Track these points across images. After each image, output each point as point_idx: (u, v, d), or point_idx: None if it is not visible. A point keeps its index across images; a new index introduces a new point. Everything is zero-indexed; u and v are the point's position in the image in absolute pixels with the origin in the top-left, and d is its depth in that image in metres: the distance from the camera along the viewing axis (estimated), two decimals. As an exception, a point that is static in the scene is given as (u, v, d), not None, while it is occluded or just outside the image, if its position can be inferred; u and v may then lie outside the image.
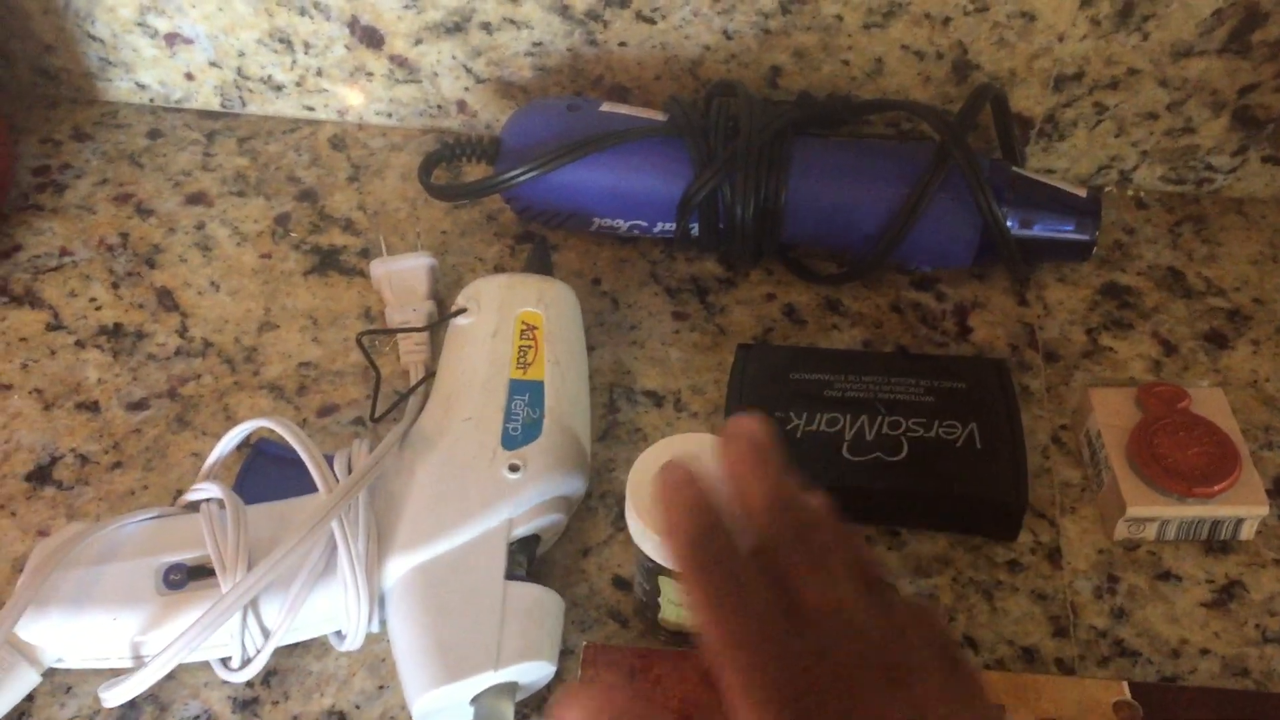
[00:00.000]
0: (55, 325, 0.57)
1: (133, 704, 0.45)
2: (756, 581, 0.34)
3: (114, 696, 0.42)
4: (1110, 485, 0.49)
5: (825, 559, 0.35)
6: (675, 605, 0.45)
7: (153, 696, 0.45)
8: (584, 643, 0.46)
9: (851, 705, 0.31)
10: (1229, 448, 0.49)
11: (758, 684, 0.32)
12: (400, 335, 0.55)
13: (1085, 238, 0.56)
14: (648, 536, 0.42)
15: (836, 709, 0.31)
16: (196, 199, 0.63)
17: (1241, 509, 0.48)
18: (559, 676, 0.45)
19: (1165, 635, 0.47)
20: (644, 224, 0.58)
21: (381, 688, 0.45)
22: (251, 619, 0.43)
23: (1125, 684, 0.44)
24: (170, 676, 0.45)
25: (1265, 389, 0.55)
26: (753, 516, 0.36)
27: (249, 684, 0.45)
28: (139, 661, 0.43)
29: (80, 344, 0.56)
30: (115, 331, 0.57)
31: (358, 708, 0.45)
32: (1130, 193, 0.64)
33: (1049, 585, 0.48)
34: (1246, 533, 0.49)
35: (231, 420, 0.53)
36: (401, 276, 0.57)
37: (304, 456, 0.45)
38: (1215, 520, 0.48)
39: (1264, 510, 0.48)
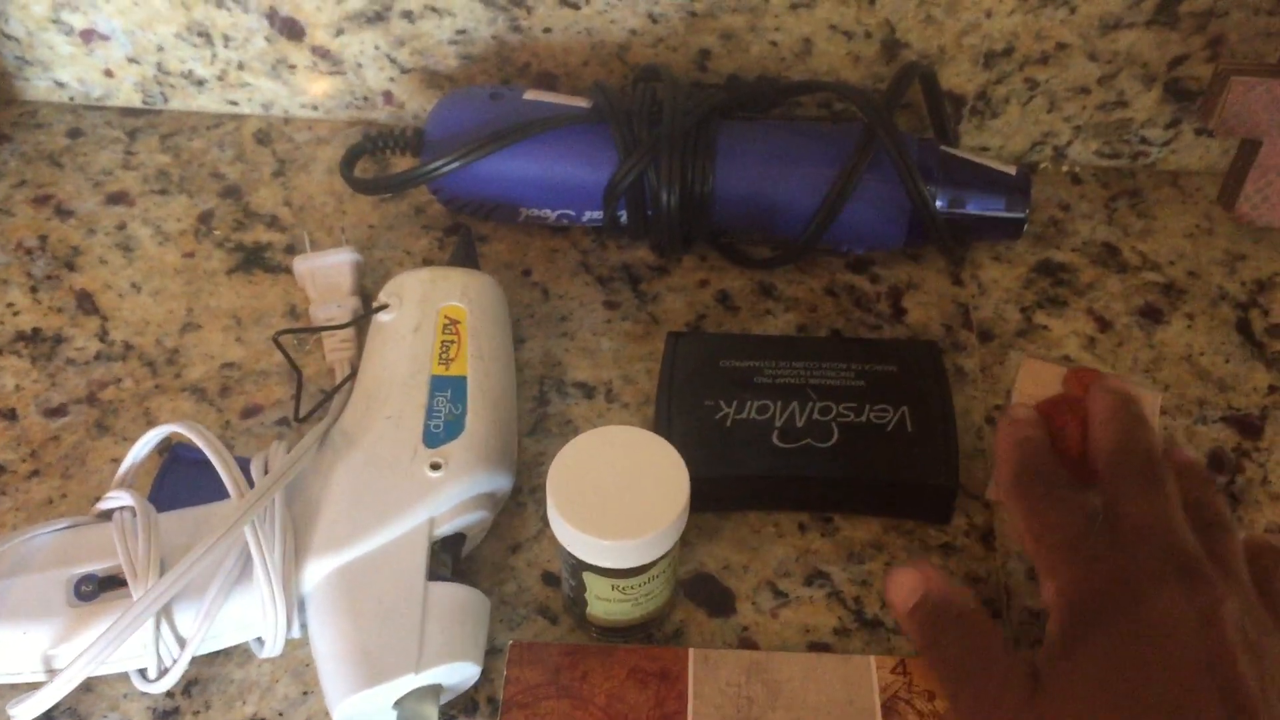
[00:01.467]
0: (-29, 332, 0.56)
1: (49, 717, 0.44)
2: (1073, 498, 0.40)
3: (23, 712, 0.41)
4: None
5: (1157, 485, 0.39)
6: (602, 601, 0.44)
7: (70, 710, 0.44)
8: (510, 641, 0.45)
9: (1139, 590, 0.36)
10: None
11: (1056, 568, 0.39)
12: (325, 333, 0.54)
13: (1017, 215, 0.56)
14: (569, 532, 0.41)
15: (1122, 591, 0.37)
16: (118, 198, 0.61)
17: None
18: (486, 675, 0.45)
19: (1098, 615, 0.47)
20: (572, 213, 0.57)
21: (306, 693, 0.45)
22: (166, 628, 0.42)
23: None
24: (88, 689, 0.44)
25: (1199, 363, 0.55)
26: (1100, 447, 0.42)
27: (169, 694, 0.45)
28: (52, 675, 0.42)
29: (-3, 351, 0.55)
30: (33, 336, 0.56)
31: (281, 715, 0.44)
32: (1065, 169, 0.63)
33: (982, 568, 0.48)
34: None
35: (153, 425, 0.52)
36: (325, 273, 0.56)
37: (215, 461, 0.44)
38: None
39: None
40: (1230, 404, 0.53)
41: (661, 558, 0.43)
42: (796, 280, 0.58)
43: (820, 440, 0.49)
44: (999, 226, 0.56)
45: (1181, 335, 0.56)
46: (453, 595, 0.43)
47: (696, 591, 0.48)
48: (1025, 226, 0.56)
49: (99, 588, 0.42)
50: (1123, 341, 0.56)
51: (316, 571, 0.43)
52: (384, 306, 0.51)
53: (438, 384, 0.48)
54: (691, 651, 0.44)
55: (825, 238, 0.56)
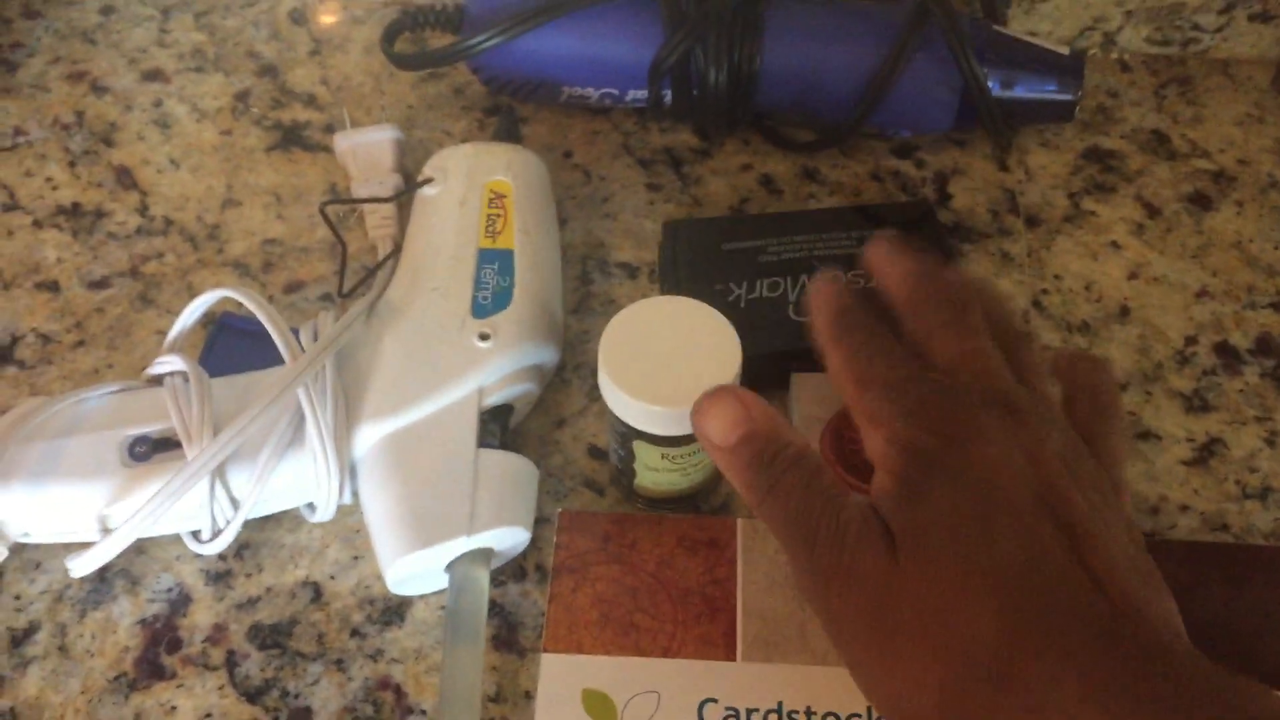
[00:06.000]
0: (11, 205, 0.55)
1: (104, 578, 0.44)
2: (891, 340, 0.38)
3: (80, 566, 0.41)
4: None
5: (962, 316, 0.37)
6: (651, 471, 0.44)
7: (124, 570, 0.45)
8: (559, 510, 0.45)
9: (968, 433, 0.34)
10: None
11: (882, 415, 0.35)
12: (368, 209, 0.54)
13: (1068, 97, 0.55)
14: (621, 398, 0.41)
15: (953, 436, 0.34)
16: (153, 76, 0.61)
17: None
18: (534, 544, 0.45)
19: (1144, 493, 0.47)
20: (615, 92, 0.56)
21: (356, 558, 0.45)
22: (220, 490, 0.42)
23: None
24: (141, 551, 0.45)
25: (1249, 249, 0.54)
26: (896, 293, 0.39)
27: (221, 557, 0.45)
28: (107, 535, 0.42)
29: (38, 224, 0.55)
30: (74, 211, 0.55)
31: (332, 578, 0.45)
32: (1114, 56, 0.62)
33: (1028, 446, 0.48)
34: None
35: (196, 297, 0.52)
36: (366, 150, 0.55)
37: (267, 325, 0.43)
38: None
39: None
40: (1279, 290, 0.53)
41: (712, 427, 0.42)
42: (841, 165, 0.58)
43: (852, 314, 0.49)
44: (1050, 109, 0.55)
45: (1231, 222, 0.55)
46: (503, 462, 0.44)
47: (742, 467, 0.48)
48: (1077, 110, 0.55)
49: (152, 449, 0.42)
50: (1171, 228, 0.55)
51: (368, 437, 0.43)
52: (429, 180, 0.50)
53: (485, 256, 0.48)
54: (740, 521, 0.45)
55: (872, 120, 0.55)
